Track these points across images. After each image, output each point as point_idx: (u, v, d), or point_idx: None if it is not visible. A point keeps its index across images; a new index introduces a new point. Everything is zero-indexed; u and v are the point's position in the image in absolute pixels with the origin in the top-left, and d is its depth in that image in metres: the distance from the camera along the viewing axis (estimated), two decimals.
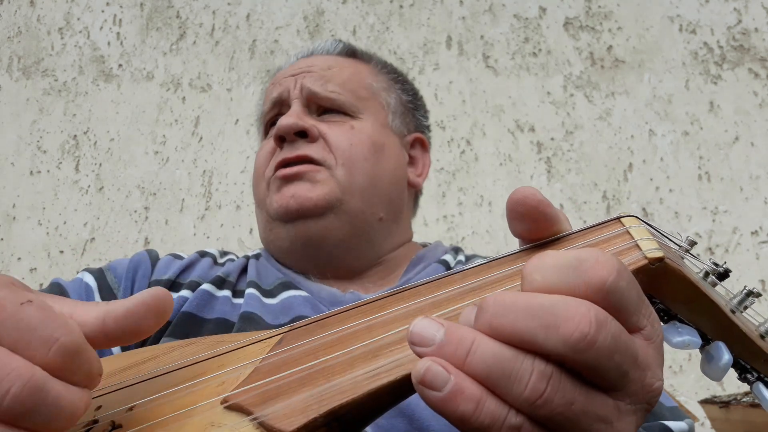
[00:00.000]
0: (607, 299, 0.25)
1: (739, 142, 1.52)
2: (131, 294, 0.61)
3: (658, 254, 0.29)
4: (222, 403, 0.29)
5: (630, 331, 0.26)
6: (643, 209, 1.48)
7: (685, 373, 1.33)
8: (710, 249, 1.43)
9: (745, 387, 1.10)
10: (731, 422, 0.96)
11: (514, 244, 0.30)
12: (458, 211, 1.50)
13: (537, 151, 1.55)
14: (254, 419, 0.27)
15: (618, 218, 0.33)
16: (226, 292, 0.62)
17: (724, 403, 0.97)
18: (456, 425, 0.25)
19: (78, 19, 1.76)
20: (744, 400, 0.95)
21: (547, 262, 0.26)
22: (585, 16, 1.66)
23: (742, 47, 1.60)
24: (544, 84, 1.60)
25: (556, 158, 1.54)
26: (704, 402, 1.04)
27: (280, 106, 0.70)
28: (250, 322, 0.57)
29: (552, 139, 1.56)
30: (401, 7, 1.70)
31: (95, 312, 0.28)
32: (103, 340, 0.28)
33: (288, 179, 0.64)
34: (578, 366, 0.24)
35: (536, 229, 0.31)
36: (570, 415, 0.24)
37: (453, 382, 0.24)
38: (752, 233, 1.44)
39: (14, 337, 0.24)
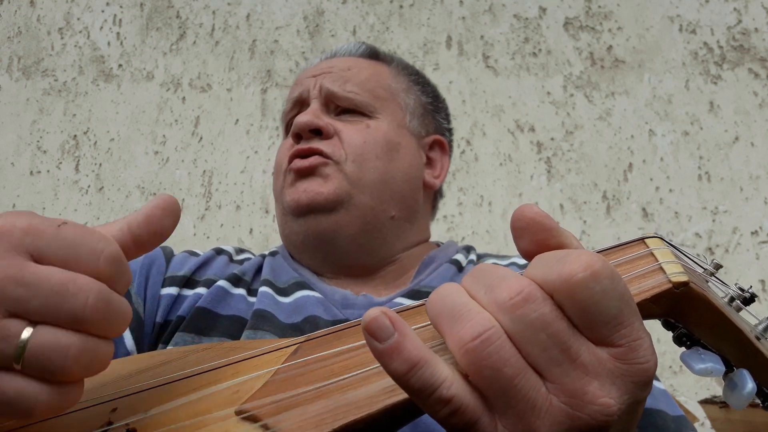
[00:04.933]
0: (571, 294, 0.26)
1: (739, 142, 1.52)
2: (145, 291, 0.61)
3: (683, 278, 0.29)
4: (236, 413, 0.29)
5: (596, 342, 0.26)
6: (643, 209, 1.48)
7: (685, 373, 1.33)
8: (710, 249, 1.43)
9: None
10: (731, 422, 0.96)
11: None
12: (458, 211, 1.50)
13: (537, 151, 1.55)
14: (267, 430, 0.27)
15: (642, 239, 0.32)
16: (242, 290, 0.63)
17: (724, 403, 0.97)
18: (391, 377, 0.26)
19: (78, 19, 1.76)
20: None
21: (547, 255, 0.28)
22: (585, 16, 1.66)
23: (742, 47, 1.60)
24: (544, 84, 1.60)
25: (556, 158, 1.54)
26: (704, 402, 1.04)
27: (300, 106, 0.72)
28: (263, 319, 0.58)
29: (552, 139, 1.56)
30: (401, 7, 1.70)
31: (118, 225, 0.31)
32: (133, 247, 0.31)
33: (301, 174, 0.65)
34: (509, 331, 0.26)
35: (538, 241, 0.31)
36: (501, 380, 0.25)
37: (395, 340, 0.25)
38: (752, 233, 1.44)
39: (63, 255, 0.27)
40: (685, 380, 1.32)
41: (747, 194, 1.47)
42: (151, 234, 0.32)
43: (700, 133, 1.53)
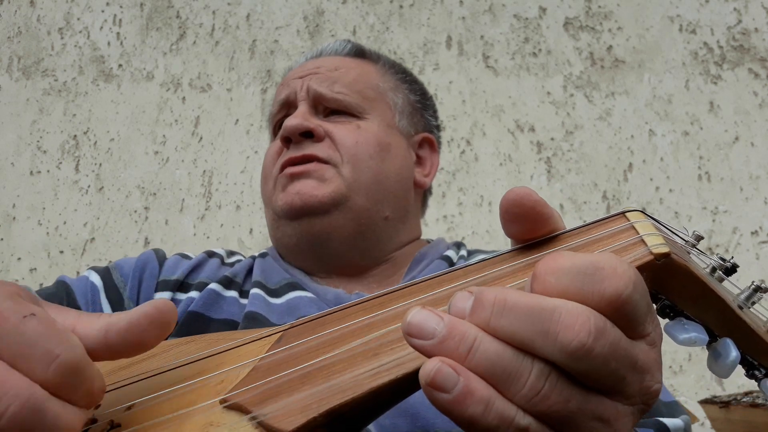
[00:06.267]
0: (619, 311, 0.25)
1: (739, 142, 1.52)
2: (138, 293, 0.61)
3: (664, 249, 0.29)
4: (221, 402, 0.29)
5: (635, 338, 0.27)
6: (643, 209, 1.48)
7: (685, 373, 1.33)
8: (710, 249, 1.43)
9: (745, 387, 1.10)
10: (731, 422, 0.96)
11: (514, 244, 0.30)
12: (458, 211, 1.50)
13: (537, 151, 1.55)
14: (253, 419, 0.27)
15: (623, 213, 0.32)
16: (233, 293, 0.62)
17: (724, 403, 0.97)
18: (463, 427, 0.24)
19: (78, 19, 1.76)
20: (744, 400, 0.95)
21: (563, 264, 0.26)
22: (585, 16, 1.66)
23: (742, 47, 1.60)
24: (544, 84, 1.60)
25: (556, 158, 1.54)
26: (704, 402, 1.04)
27: (287, 108, 0.71)
28: (255, 321, 0.57)
29: (552, 139, 1.56)
30: (401, 7, 1.70)
31: (98, 325, 0.28)
32: (105, 353, 0.28)
33: (293, 177, 0.64)
34: (574, 371, 0.25)
35: (532, 229, 0.30)
36: (567, 413, 0.25)
37: (462, 384, 0.24)
38: (752, 233, 1.44)
39: (14, 351, 0.24)
40: (685, 380, 1.32)
41: (747, 194, 1.47)
42: (128, 344, 0.28)
43: (700, 133, 1.53)
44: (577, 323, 0.24)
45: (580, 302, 0.25)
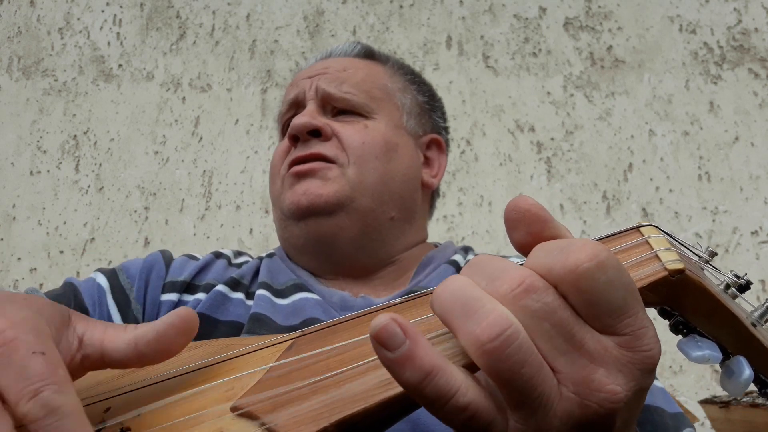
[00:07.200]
0: (576, 284, 0.25)
1: (739, 142, 1.52)
2: (144, 295, 0.61)
3: (679, 266, 0.29)
4: (231, 409, 0.29)
5: (600, 330, 0.26)
6: (643, 209, 1.48)
7: (685, 373, 1.33)
8: (710, 249, 1.43)
9: None
10: (731, 422, 0.96)
11: None
12: (458, 211, 1.50)
13: (537, 151, 1.55)
14: (263, 426, 0.27)
15: (637, 227, 0.32)
16: (240, 295, 0.62)
17: (724, 403, 0.97)
18: (404, 389, 0.25)
19: (78, 19, 1.76)
20: (744, 400, 0.95)
21: (548, 244, 0.28)
22: (585, 16, 1.66)
23: (742, 47, 1.60)
24: (544, 84, 1.60)
25: (556, 158, 1.54)
26: (704, 402, 1.04)
27: (296, 107, 0.71)
28: (260, 323, 0.57)
29: (552, 139, 1.56)
30: (401, 7, 1.70)
31: (126, 337, 0.30)
32: (136, 362, 0.30)
33: (300, 176, 0.65)
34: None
35: (533, 233, 0.30)
36: (519, 380, 0.24)
37: (407, 348, 0.24)
38: (752, 233, 1.44)
39: (8, 381, 0.25)
40: (685, 380, 1.32)
41: (747, 194, 1.47)
42: (158, 352, 0.30)
43: (700, 133, 1.53)
44: (517, 275, 0.26)
45: (545, 271, 0.26)
